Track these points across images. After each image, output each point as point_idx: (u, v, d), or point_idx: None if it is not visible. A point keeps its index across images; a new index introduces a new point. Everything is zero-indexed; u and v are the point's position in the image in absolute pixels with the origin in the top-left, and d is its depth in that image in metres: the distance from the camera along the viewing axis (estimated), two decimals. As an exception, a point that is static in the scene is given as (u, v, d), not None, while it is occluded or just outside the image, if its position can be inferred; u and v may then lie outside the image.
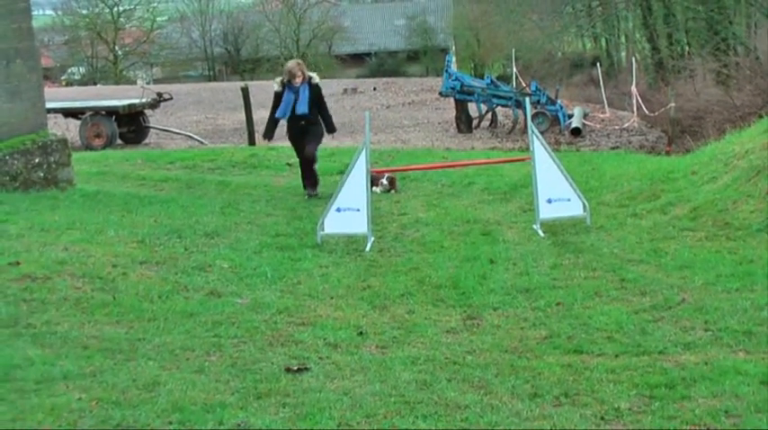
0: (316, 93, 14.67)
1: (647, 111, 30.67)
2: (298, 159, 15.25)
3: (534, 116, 26.79)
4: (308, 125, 14.72)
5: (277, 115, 14.74)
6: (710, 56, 35.30)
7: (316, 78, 14.76)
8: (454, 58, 39.88)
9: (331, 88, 43.17)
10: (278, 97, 14.71)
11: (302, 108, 14.50)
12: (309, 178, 15.04)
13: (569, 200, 12.01)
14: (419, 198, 14.96)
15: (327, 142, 17.34)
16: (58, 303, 8.21)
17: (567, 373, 6.73)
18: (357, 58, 68.21)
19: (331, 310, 8.62)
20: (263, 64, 67.44)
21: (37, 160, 13.51)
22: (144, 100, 27.53)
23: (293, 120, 14.66)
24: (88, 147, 25.07)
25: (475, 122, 29.76)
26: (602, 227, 12.00)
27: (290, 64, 14.84)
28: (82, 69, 70.94)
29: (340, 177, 13.13)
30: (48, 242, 10.14)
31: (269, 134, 15.17)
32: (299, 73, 14.47)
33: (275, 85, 14.77)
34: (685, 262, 10.03)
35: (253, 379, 6.59)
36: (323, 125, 15.00)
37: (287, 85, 14.55)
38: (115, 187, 15.22)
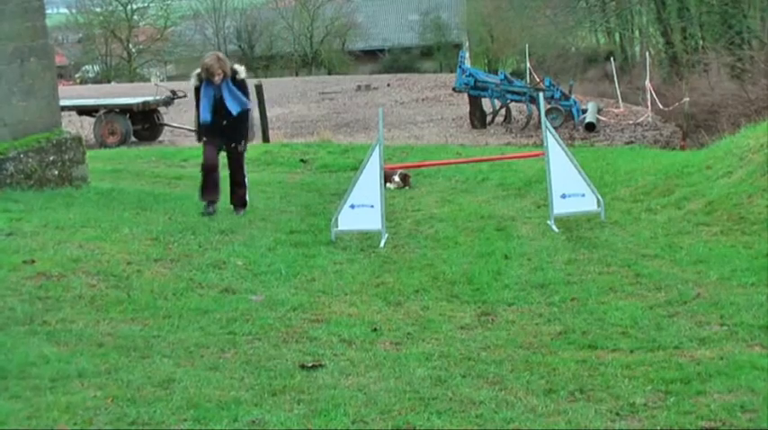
0: (240, 88, 12.64)
1: (661, 106, 30.57)
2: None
3: (548, 111, 26.73)
4: (232, 125, 12.62)
5: (201, 118, 12.55)
6: (725, 50, 35.16)
7: (241, 73, 12.65)
8: (468, 54, 39.87)
9: (345, 84, 43.24)
10: (196, 92, 12.66)
11: (232, 107, 12.45)
12: (234, 192, 12.93)
13: (583, 195, 11.99)
14: (433, 194, 14.96)
15: (341, 138, 17.27)
16: (72, 301, 8.23)
17: (581, 369, 6.72)
18: (371, 55, 68.10)
19: (345, 307, 8.62)
20: (277, 61, 67.45)
21: (51, 158, 13.53)
22: (158, 97, 27.58)
23: (216, 120, 12.51)
24: (102, 145, 25.14)
25: (489, 118, 29.72)
26: (616, 222, 11.98)
27: (210, 60, 12.47)
28: (96, 67, 71.00)
29: (354, 174, 13.12)
30: (62, 240, 10.16)
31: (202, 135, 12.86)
32: (219, 71, 12.29)
33: (193, 78, 12.67)
34: (700, 257, 10.00)
35: (267, 375, 6.60)
36: (248, 125, 12.94)
37: (205, 80, 12.45)
38: (129, 185, 15.24)
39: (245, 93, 12.67)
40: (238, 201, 12.83)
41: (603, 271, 9.71)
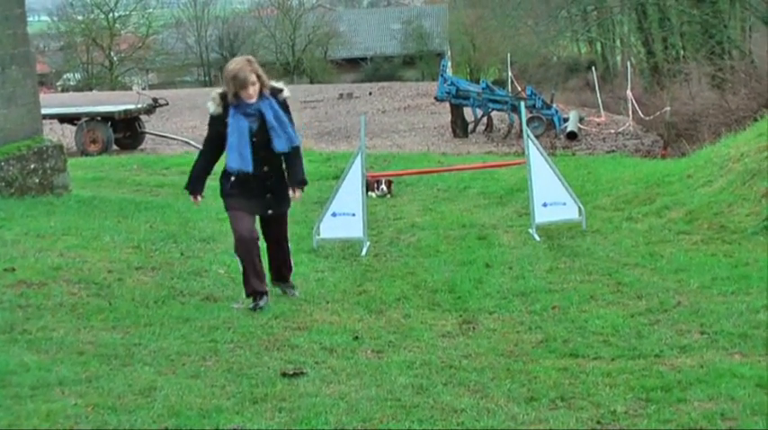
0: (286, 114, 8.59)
1: (642, 115, 30.70)
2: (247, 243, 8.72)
3: (530, 120, 26.73)
4: (278, 176, 8.75)
5: (230, 166, 8.48)
6: (705, 60, 35.28)
7: (286, 91, 8.66)
8: (450, 63, 39.87)
9: (327, 93, 43.22)
10: (217, 126, 8.55)
11: (280, 143, 8.49)
12: (281, 267, 9.31)
13: (565, 204, 12.03)
14: (415, 202, 14.97)
15: (323, 146, 17.21)
16: (53, 309, 8.20)
17: (563, 377, 6.73)
18: (353, 63, 68.10)
19: (327, 315, 8.61)
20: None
21: (32, 166, 13.50)
22: (140, 105, 27.52)
23: (254, 171, 8.49)
24: (84, 153, 25.06)
25: (470, 127, 29.76)
26: (597, 230, 12.02)
27: (237, 64, 8.43)
28: (77, 75, 70.78)
29: (335, 182, 13.12)
30: (43, 248, 10.13)
31: (197, 186, 8.82)
32: (254, 79, 8.35)
33: (210, 105, 8.55)
34: (681, 265, 10.04)
35: (249, 383, 6.58)
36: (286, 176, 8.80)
37: (233, 104, 8.39)
38: (111, 193, 15.21)
39: (290, 120, 8.64)
40: (287, 273, 9.35)
41: (585, 279, 9.74)
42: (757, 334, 7.54)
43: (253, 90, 8.30)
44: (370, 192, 14.39)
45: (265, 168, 8.53)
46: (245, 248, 8.62)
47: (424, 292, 9.44)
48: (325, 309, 8.82)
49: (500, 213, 13.75)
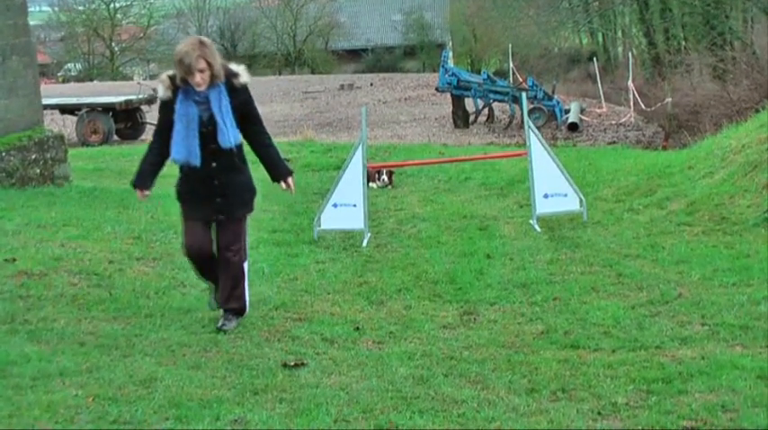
0: (244, 102, 7.51)
1: (643, 107, 30.67)
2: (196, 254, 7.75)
3: (531, 111, 26.74)
4: (229, 174, 7.59)
5: (174, 157, 7.51)
6: (707, 51, 35.23)
7: (243, 75, 7.51)
8: (451, 54, 39.83)
9: (328, 84, 43.19)
10: (166, 112, 7.52)
11: (224, 138, 7.36)
12: (228, 295, 7.79)
13: (566, 195, 12.01)
14: (416, 193, 14.96)
15: (324, 137, 17.14)
16: (54, 300, 8.20)
17: (563, 368, 6.73)
18: (354, 54, 68.03)
19: (328, 306, 8.61)
20: (260, 60, 67.25)
21: (33, 157, 13.49)
22: (141, 96, 27.52)
23: (202, 164, 7.44)
24: (85, 144, 25.08)
25: (472, 118, 29.74)
26: (598, 222, 12.01)
27: (185, 46, 7.27)
28: (78, 66, 70.74)
29: (336, 173, 13.11)
30: (44, 238, 10.13)
31: (144, 181, 7.91)
32: (203, 65, 7.19)
33: (159, 89, 7.58)
34: (682, 257, 10.03)
35: (249, 374, 6.58)
36: (249, 170, 7.76)
37: (181, 87, 7.36)
38: (112, 183, 15.20)
39: (252, 111, 7.65)
40: (234, 303, 7.81)
41: (586, 270, 9.73)
42: (758, 325, 7.54)
43: (200, 78, 7.22)
44: (371, 183, 14.39)
45: (213, 164, 7.45)
46: (193, 265, 7.88)
47: (425, 283, 9.44)
48: (325, 300, 8.82)
49: (501, 204, 13.74)
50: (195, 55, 7.16)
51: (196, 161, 7.40)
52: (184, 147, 7.39)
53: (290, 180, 7.91)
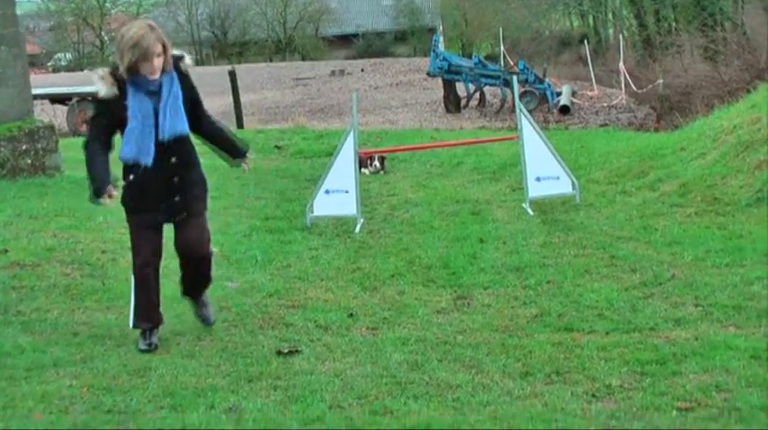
0: (191, 87, 6.97)
1: (635, 88, 30.67)
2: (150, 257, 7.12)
3: (522, 95, 26.75)
4: (188, 169, 6.97)
5: (123, 157, 6.69)
6: (698, 32, 35.26)
7: (187, 60, 6.95)
8: (442, 38, 39.80)
9: (319, 70, 43.13)
10: (104, 109, 6.73)
11: (174, 126, 6.70)
12: (195, 282, 7.39)
13: (558, 178, 12.01)
14: (408, 179, 14.95)
15: (315, 123, 17.06)
16: (47, 290, 8.19)
17: (557, 351, 6.74)
18: (344, 40, 67.93)
19: (321, 292, 8.61)
20: (251, 47, 67.24)
21: (24, 147, 13.43)
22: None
23: (157, 159, 6.69)
24: (76, 133, 24.98)
25: (463, 102, 29.75)
26: (591, 204, 12.01)
27: (139, 29, 6.52)
28: (68, 55, 70.61)
29: (328, 159, 13.09)
30: (36, 229, 10.10)
31: (104, 182, 6.75)
32: (160, 49, 6.56)
33: (100, 87, 6.60)
34: (675, 238, 10.04)
35: (244, 362, 6.58)
36: (200, 162, 7.12)
37: (130, 79, 6.58)
38: (103, 173, 15.14)
39: (199, 96, 7.11)
40: (202, 287, 7.46)
41: (579, 253, 9.74)
42: (751, 305, 7.55)
43: (158, 62, 6.55)
44: (363, 169, 14.38)
45: (173, 160, 6.76)
46: (143, 276, 7.03)
47: (419, 269, 9.44)
48: (319, 287, 8.82)
49: (493, 188, 13.73)
50: (153, 37, 6.49)
51: (147, 159, 6.66)
52: (136, 144, 6.62)
53: (251, 162, 7.41)
